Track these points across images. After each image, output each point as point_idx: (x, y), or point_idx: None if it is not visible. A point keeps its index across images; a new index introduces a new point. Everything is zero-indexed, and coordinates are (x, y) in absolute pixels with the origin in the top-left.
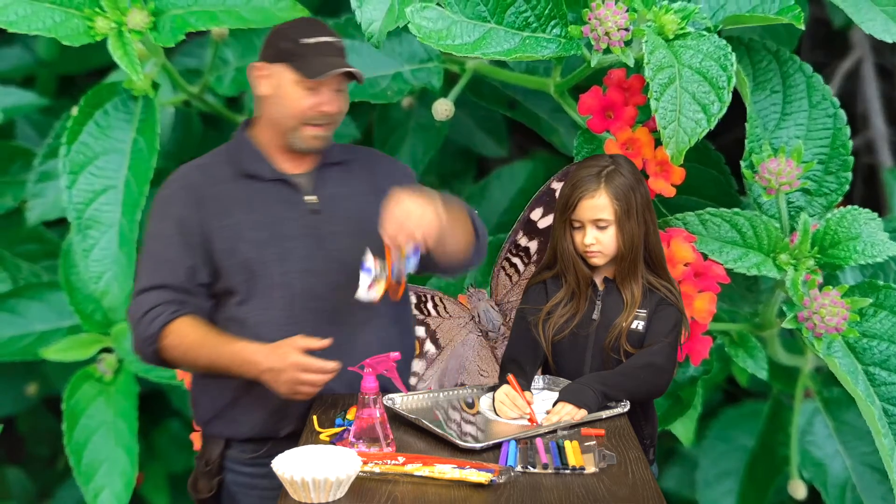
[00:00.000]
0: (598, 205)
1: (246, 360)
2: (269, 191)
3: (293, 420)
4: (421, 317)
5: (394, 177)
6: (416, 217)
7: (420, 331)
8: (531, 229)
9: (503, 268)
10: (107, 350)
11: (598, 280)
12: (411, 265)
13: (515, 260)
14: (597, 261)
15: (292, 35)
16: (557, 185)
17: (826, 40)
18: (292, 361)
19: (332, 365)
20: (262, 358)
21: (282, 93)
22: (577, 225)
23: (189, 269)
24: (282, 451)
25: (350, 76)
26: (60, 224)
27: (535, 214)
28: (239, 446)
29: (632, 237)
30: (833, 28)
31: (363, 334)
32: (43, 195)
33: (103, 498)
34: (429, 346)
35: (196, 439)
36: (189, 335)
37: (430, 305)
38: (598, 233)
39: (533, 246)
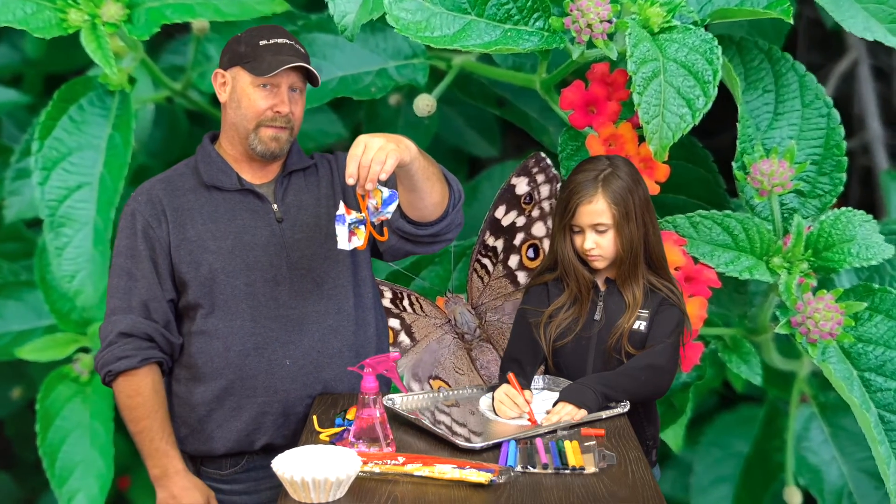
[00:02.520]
0: (596, 210)
1: (162, 466)
2: (233, 201)
3: (268, 431)
4: (396, 311)
5: None
6: (374, 150)
7: (395, 323)
8: (496, 228)
9: (475, 269)
10: (84, 350)
11: (600, 281)
12: (391, 206)
13: (485, 261)
14: (598, 264)
15: (249, 39)
16: (517, 181)
17: (822, 41)
18: None
19: None
20: (175, 484)
21: (237, 95)
22: (576, 229)
23: (157, 285)
24: (257, 465)
25: (310, 79)
26: (40, 222)
27: (499, 213)
28: (214, 463)
29: (631, 240)
30: (829, 29)
31: (334, 340)
32: (20, 193)
33: (78, 501)
34: (403, 338)
35: None
36: (139, 396)
37: (406, 302)
38: (598, 237)
39: (499, 245)
